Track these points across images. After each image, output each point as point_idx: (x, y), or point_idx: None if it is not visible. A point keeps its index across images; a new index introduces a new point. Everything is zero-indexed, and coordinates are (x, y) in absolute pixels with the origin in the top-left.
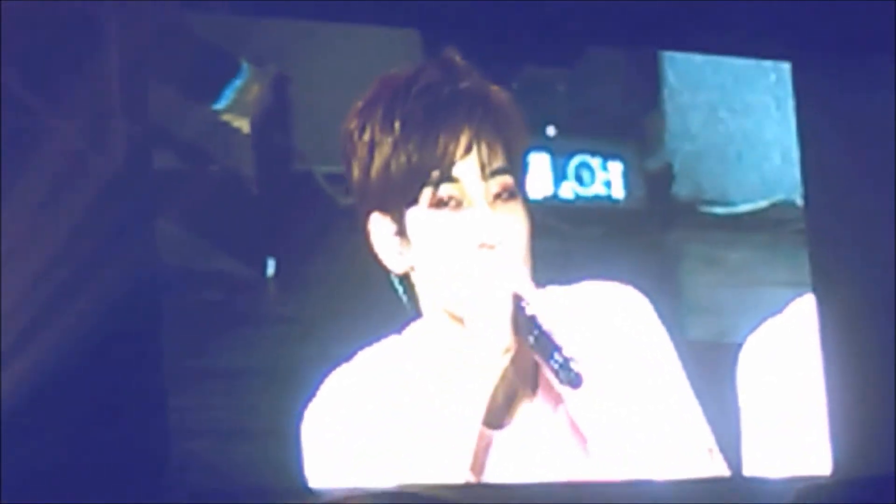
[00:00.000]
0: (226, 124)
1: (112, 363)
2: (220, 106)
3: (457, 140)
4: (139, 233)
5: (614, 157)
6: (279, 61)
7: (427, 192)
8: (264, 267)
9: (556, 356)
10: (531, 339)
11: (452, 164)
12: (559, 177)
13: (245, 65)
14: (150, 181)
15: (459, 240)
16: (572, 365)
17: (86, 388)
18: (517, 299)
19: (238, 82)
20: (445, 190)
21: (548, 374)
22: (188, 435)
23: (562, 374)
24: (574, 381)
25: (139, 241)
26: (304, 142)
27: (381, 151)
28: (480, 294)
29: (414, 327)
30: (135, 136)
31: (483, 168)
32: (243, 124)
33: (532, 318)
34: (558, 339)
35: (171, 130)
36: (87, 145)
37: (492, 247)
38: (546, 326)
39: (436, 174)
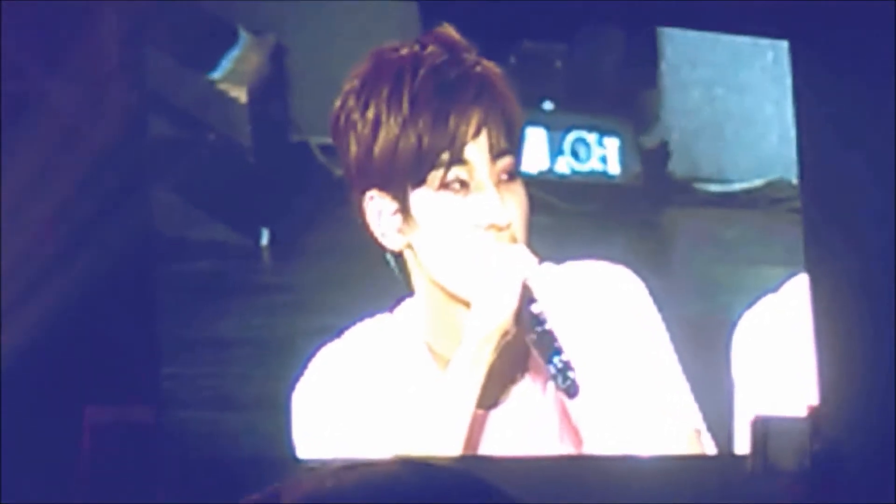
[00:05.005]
0: (222, 93)
1: (105, 331)
2: (216, 75)
3: (468, 122)
4: (134, 201)
5: (611, 132)
6: (277, 31)
7: (436, 174)
8: (258, 236)
9: (556, 360)
10: (534, 335)
11: (463, 145)
12: (555, 152)
13: (243, 34)
14: (146, 149)
15: (468, 221)
16: (570, 373)
17: (79, 356)
18: (526, 290)
19: (235, 52)
20: (455, 172)
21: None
22: (179, 404)
23: (559, 379)
24: (571, 389)
25: (133, 209)
26: (300, 112)
27: (387, 130)
28: (491, 277)
29: (405, 305)
30: (131, 104)
31: (491, 150)
32: (240, 94)
33: (538, 315)
34: (560, 341)
35: (168, 98)
36: (82, 111)
37: (501, 229)
38: (549, 325)
39: (446, 156)
